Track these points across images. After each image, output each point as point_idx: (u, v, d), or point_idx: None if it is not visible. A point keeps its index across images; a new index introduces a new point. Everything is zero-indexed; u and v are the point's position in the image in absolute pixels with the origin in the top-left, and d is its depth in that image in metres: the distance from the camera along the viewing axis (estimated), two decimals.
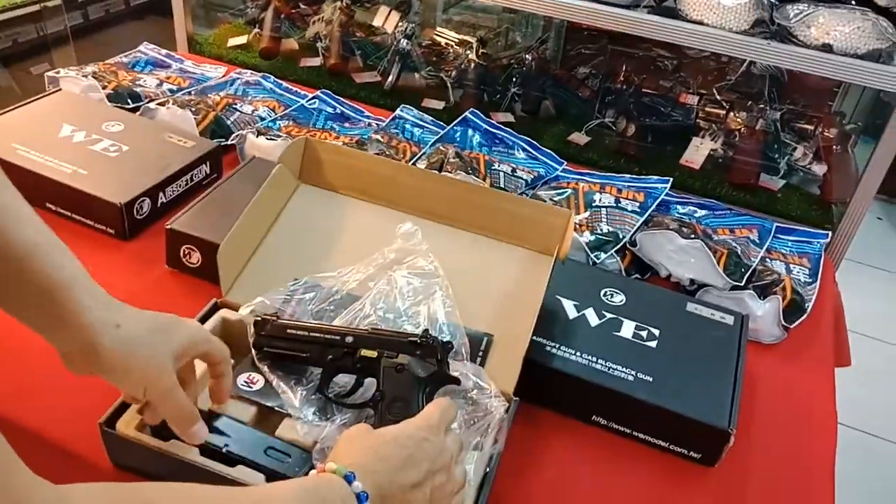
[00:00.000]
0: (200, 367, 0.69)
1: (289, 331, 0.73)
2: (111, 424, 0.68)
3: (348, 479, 0.53)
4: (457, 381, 0.72)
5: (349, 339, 0.72)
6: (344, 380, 0.74)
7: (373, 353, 0.71)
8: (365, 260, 0.86)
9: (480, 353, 0.80)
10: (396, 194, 0.95)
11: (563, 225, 0.89)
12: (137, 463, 0.70)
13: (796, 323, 1.01)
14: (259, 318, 0.75)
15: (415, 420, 0.62)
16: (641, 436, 0.82)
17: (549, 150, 1.35)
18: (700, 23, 1.26)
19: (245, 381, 0.73)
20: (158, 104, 1.26)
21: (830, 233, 1.26)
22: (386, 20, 1.72)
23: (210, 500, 0.48)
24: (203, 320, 0.80)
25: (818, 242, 1.22)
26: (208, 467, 0.65)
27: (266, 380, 0.73)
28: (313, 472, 0.55)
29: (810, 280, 1.11)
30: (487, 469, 0.70)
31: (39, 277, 0.56)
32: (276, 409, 0.71)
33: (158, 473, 0.68)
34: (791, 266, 1.13)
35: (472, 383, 0.74)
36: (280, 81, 1.49)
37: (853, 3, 1.32)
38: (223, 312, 0.81)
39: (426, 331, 0.72)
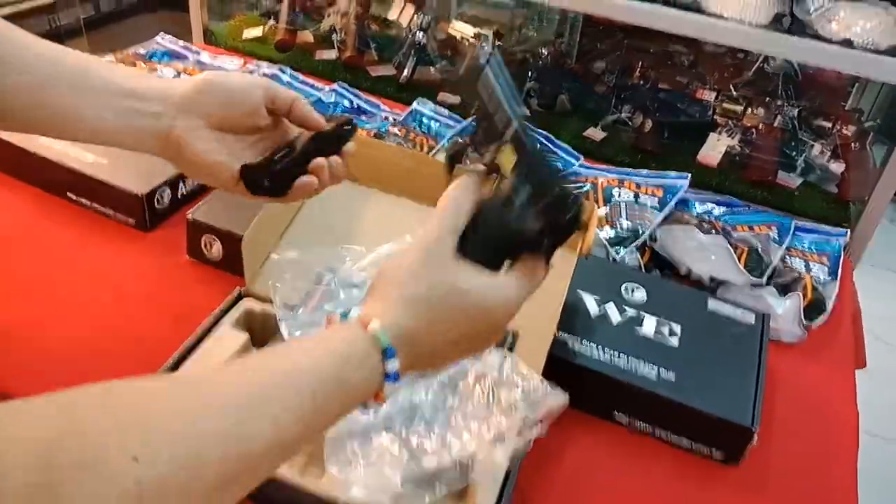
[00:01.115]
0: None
1: None
2: None
3: (388, 353, 0.45)
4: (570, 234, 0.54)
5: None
6: None
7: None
8: (393, 242, 0.85)
9: (507, 349, 0.80)
10: (419, 186, 0.94)
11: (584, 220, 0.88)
12: None
13: (817, 322, 1.00)
14: None
15: (498, 293, 0.50)
16: (664, 433, 0.82)
17: (565, 146, 1.35)
18: (719, 16, 1.25)
19: None
20: None
21: (849, 232, 1.25)
22: (401, 13, 1.71)
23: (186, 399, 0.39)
24: (227, 310, 0.80)
25: (837, 241, 1.21)
26: None
27: None
28: (353, 319, 0.47)
29: (830, 279, 1.10)
30: (510, 467, 0.69)
31: (113, 75, 0.58)
32: None
33: None
34: (811, 264, 1.12)
35: (510, 371, 0.73)
36: (297, 74, 1.49)
37: None
38: (247, 302, 0.81)
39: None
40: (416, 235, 0.50)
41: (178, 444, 0.36)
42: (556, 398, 0.72)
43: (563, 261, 0.87)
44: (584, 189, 0.48)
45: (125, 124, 0.58)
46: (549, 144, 1.35)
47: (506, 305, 0.51)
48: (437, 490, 0.66)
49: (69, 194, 1.03)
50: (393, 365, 0.46)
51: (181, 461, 0.35)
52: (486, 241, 0.51)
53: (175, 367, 0.73)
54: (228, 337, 0.78)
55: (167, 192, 1.02)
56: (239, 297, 0.82)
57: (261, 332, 0.79)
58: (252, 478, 0.40)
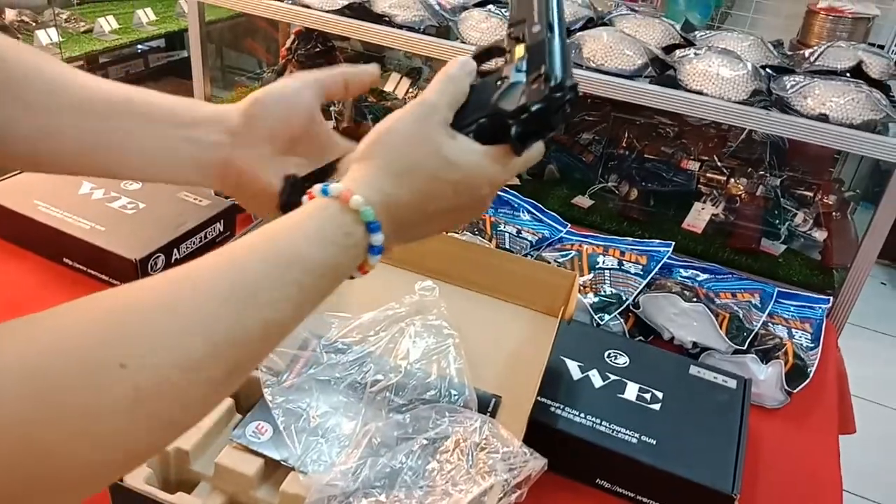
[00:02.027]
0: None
1: None
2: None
3: (371, 228, 0.45)
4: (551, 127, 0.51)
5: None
6: None
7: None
8: (378, 309, 0.88)
9: (489, 415, 0.81)
10: (405, 253, 0.97)
11: (567, 286, 0.91)
12: None
13: (799, 388, 1.01)
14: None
15: (490, 160, 0.49)
16: (645, 500, 0.82)
17: (553, 213, 1.39)
18: (700, 93, 1.31)
19: (254, 431, 0.74)
20: None
21: (832, 298, 1.27)
22: (397, 86, 1.78)
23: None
24: None
25: (820, 308, 1.23)
26: None
27: (275, 428, 0.74)
28: (334, 192, 0.44)
29: (812, 345, 1.12)
30: None
31: (163, 103, 0.55)
32: (282, 462, 0.72)
33: None
34: (793, 331, 1.14)
35: (490, 436, 0.75)
36: None
37: (847, 75, 1.37)
38: None
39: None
40: (412, 104, 0.49)
41: (164, 343, 0.35)
42: (536, 463, 0.73)
43: (545, 328, 0.90)
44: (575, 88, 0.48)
45: (178, 157, 0.54)
46: (537, 212, 1.39)
47: (491, 183, 0.50)
48: None
49: (66, 260, 1.06)
50: (377, 238, 0.45)
51: (172, 359, 0.35)
52: (466, 114, 0.50)
53: None
54: None
55: (161, 259, 1.05)
56: None
57: (245, 396, 0.80)
58: (249, 364, 0.40)
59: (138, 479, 0.69)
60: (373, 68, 0.59)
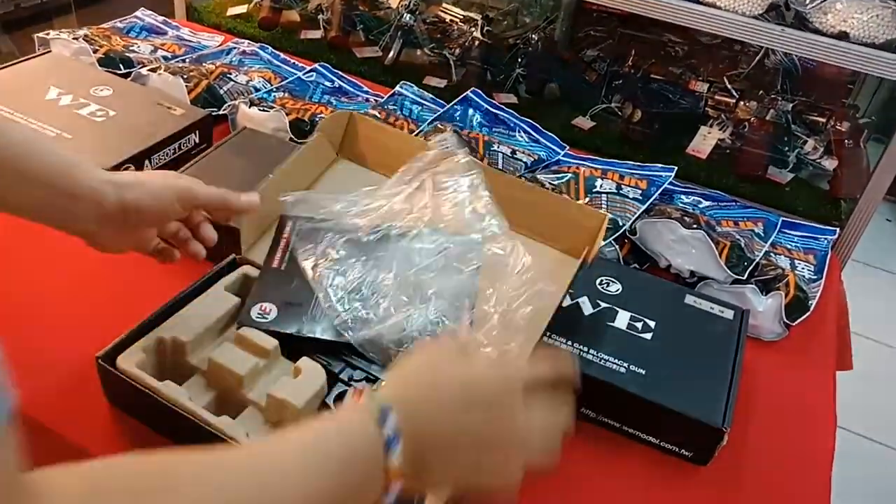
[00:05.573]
0: None
1: None
2: (110, 360, 0.67)
3: (384, 413, 0.46)
4: None
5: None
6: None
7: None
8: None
9: None
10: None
11: (595, 227, 0.85)
12: (133, 402, 0.69)
13: (798, 321, 0.97)
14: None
15: (513, 371, 0.54)
16: (631, 431, 0.79)
17: (551, 134, 1.31)
18: (713, 5, 1.21)
19: (259, 313, 0.74)
20: (150, 70, 1.22)
21: (838, 230, 1.22)
22: None
23: (197, 474, 0.42)
24: (220, 274, 0.79)
25: (825, 239, 1.18)
26: (198, 415, 0.64)
27: (278, 308, 0.74)
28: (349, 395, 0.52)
29: (815, 277, 1.07)
30: None
31: (44, 166, 0.62)
32: (295, 334, 0.72)
33: (150, 412, 0.67)
34: (796, 262, 1.09)
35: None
36: (278, 53, 1.45)
37: None
38: (245, 269, 0.80)
39: None
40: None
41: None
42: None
43: (564, 269, 0.84)
44: None
45: (52, 217, 0.64)
46: (535, 132, 1.31)
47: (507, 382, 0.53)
48: None
49: None
50: (391, 423, 0.46)
51: None
52: None
53: (158, 319, 0.72)
54: (220, 298, 0.76)
55: (131, 170, 0.98)
56: (233, 264, 0.81)
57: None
58: None
59: (129, 362, 0.67)
60: (253, 202, 0.71)
